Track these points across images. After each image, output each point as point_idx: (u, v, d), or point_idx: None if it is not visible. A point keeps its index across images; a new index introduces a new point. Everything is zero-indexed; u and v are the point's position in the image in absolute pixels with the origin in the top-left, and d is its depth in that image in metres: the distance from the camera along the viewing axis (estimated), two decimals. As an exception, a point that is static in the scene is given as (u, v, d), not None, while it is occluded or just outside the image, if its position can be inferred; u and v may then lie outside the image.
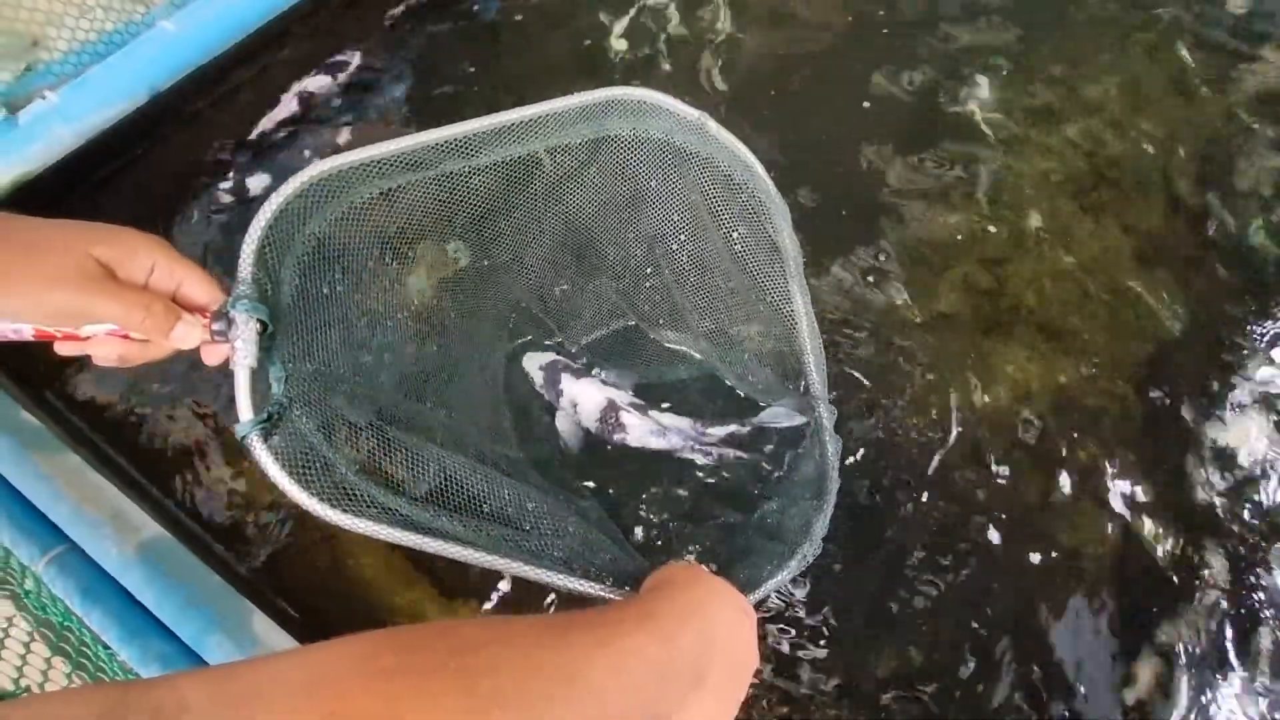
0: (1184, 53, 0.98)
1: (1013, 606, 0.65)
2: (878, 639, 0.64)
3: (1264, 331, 0.79)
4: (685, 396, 0.70)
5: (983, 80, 0.95)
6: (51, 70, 0.81)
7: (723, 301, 0.69)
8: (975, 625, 0.64)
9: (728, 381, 0.71)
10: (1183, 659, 0.64)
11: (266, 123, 0.88)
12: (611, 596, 0.51)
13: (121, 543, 0.57)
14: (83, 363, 0.72)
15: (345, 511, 0.45)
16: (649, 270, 0.72)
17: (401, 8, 0.98)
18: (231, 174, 0.85)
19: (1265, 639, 0.65)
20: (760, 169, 0.65)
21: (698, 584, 0.47)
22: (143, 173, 0.85)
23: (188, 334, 0.42)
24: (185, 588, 0.57)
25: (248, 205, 0.84)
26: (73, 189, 0.81)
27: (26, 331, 0.40)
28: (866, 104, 0.93)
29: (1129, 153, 0.90)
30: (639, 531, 0.66)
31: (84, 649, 0.51)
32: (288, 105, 0.90)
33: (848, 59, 0.96)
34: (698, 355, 0.72)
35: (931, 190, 0.86)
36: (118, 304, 0.39)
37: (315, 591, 0.64)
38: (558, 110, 0.58)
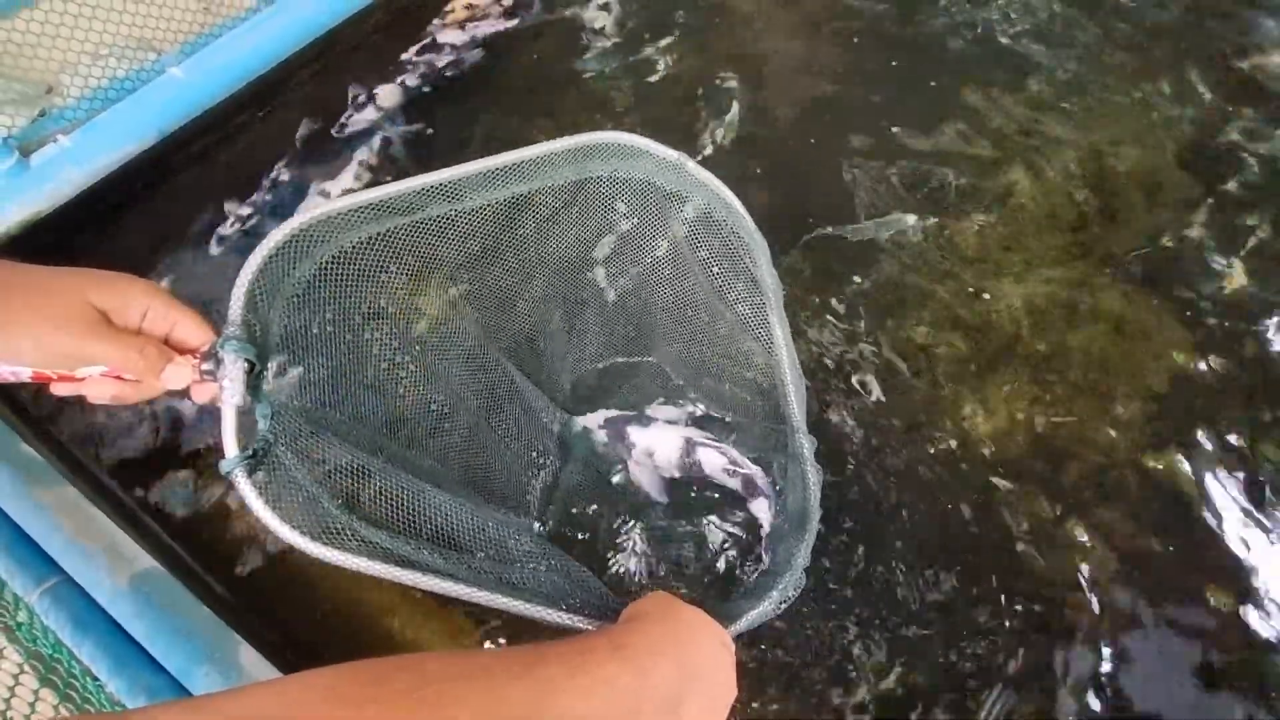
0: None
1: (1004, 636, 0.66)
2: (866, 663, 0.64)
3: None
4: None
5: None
6: (65, 115, 0.85)
7: (704, 334, 0.71)
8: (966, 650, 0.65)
9: (712, 412, 0.73)
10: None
11: (270, 165, 0.92)
12: (590, 628, 0.52)
13: (114, 574, 0.59)
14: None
15: (328, 546, 0.46)
16: (633, 304, 0.74)
17: (405, 55, 1.02)
18: (235, 214, 0.88)
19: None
20: (739, 206, 0.67)
21: (674, 616, 0.47)
22: (150, 211, 0.88)
23: (178, 374, 0.44)
24: (175, 619, 0.58)
25: (251, 244, 0.87)
26: (82, 228, 0.85)
27: (25, 374, 0.42)
28: (854, 137, 0.96)
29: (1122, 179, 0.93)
30: (629, 564, 0.67)
31: (72, 680, 0.52)
32: (291, 148, 0.94)
33: (837, 104, 1.00)
34: (682, 384, 0.73)
35: (921, 213, 0.89)
36: (113, 347, 0.42)
37: (307, 623, 0.65)
38: (541, 155, 0.60)
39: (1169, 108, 0.99)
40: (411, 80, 0.99)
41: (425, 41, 1.03)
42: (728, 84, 1.01)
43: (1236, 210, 0.90)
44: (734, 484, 0.69)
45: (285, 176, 0.91)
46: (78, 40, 0.86)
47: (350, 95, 0.98)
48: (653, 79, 1.01)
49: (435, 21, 1.04)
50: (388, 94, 0.99)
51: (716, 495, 0.70)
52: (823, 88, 1.01)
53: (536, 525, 0.66)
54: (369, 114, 0.96)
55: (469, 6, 1.04)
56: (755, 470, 0.68)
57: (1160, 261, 0.86)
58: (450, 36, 1.04)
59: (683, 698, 0.42)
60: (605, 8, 1.07)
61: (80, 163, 0.82)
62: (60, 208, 0.82)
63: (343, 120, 0.96)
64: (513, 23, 1.06)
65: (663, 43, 1.04)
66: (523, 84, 1.00)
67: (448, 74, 1.01)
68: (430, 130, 0.96)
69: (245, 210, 0.88)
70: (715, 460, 0.69)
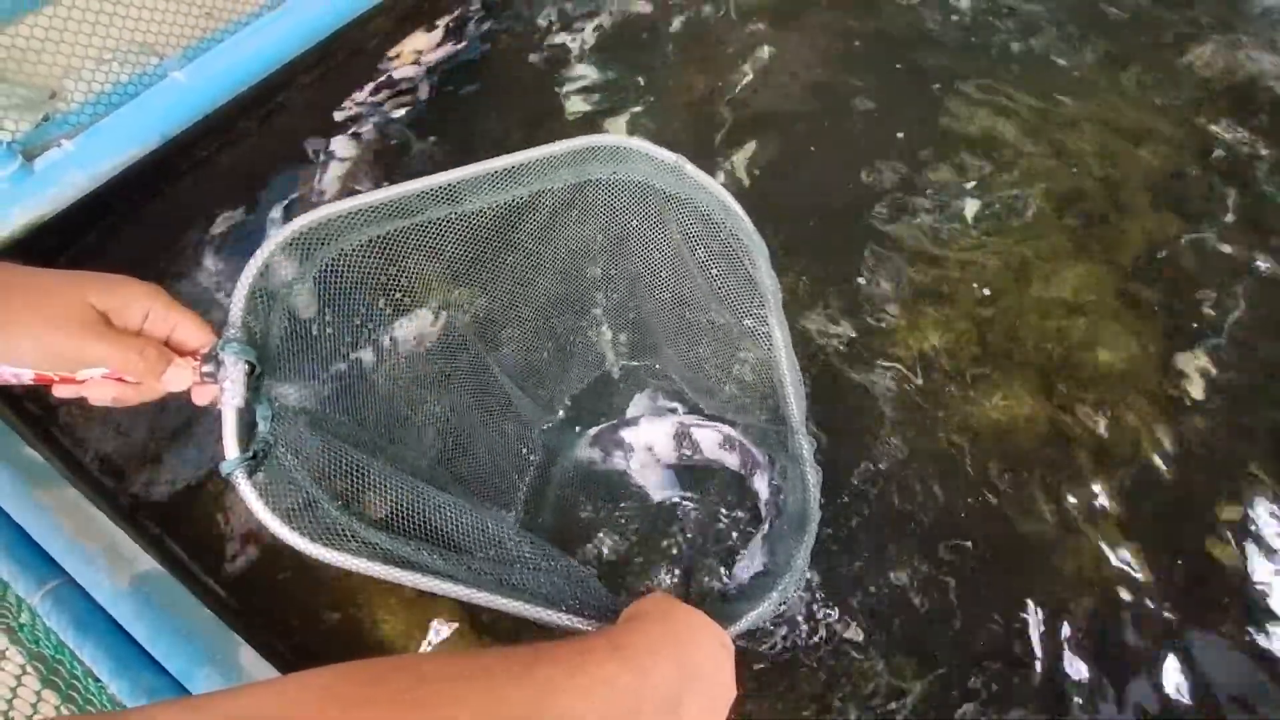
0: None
1: (1002, 635, 0.65)
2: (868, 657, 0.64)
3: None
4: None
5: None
6: (68, 120, 0.85)
7: (704, 336, 0.71)
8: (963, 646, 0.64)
9: (710, 413, 0.73)
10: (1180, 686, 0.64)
11: (271, 168, 0.92)
12: (590, 629, 0.52)
13: (115, 575, 0.59)
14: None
15: (329, 547, 0.46)
16: (633, 307, 0.74)
17: (397, 62, 1.02)
18: (236, 217, 0.88)
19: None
20: (737, 207, 0.67)
21: (674, 616, 0.47)
22: (152, 215, 0.88)
23: (178, 376, 0.44)
24: (176, 621, 0.58)
25: (252, 248, 0.87)
26: (85, 231, 0.85)
27: (26, 375, 0.42)
28: (856, 134, 0.96)
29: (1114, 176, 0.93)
30: (628, 563, 0.67)
31: (74, 682, 0.53)
32: (291, 151, 0.94)
33: (838, 106, 1.00)
34: (684, 389, 0.74)
35: (922, 223, 0.89)
36: (113, 349, 0.42)
37: (307, 623, 0.65)
38: (540, 157, 0.60)
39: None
40: (413, 84, 0.99)
41: (381, 79, 1.02)
42: (717, 89, 1.02)
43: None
44: (733, 462, 0.69)
45: (285, 180, 0.91)
46: (81, 45, 0.86)
47: (348, 100, 0.98)
48: (627, 98, 1.01)
49: (382, 64, 1.03)
50: (387, 98, 0.99)
51: (716, 480, 0.71)
52: (822, 89, 1.01)
53: (512, 516, 0.66)
54: (367, 120, 0.97)
55: (416, 51, 1.03)
56: (748, 440, 0.68)
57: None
58: (406, 71, 1.02)
59: (682, 698, 0.42)
60: (570, 30, 1.06)
61: (83, 167, 0.83)
62: (63, 211, 0.82)
63: (341, 126, 0.96)
64: (462, 46, 1.04)
65: (635, 59, 1.04)
66: (496, 107, 1.00)
67: (452, 75, 1.01)
68: (437, 135, 0.96)
69: (247, 214, 0.89)
70: (711, 437, 0.69)
